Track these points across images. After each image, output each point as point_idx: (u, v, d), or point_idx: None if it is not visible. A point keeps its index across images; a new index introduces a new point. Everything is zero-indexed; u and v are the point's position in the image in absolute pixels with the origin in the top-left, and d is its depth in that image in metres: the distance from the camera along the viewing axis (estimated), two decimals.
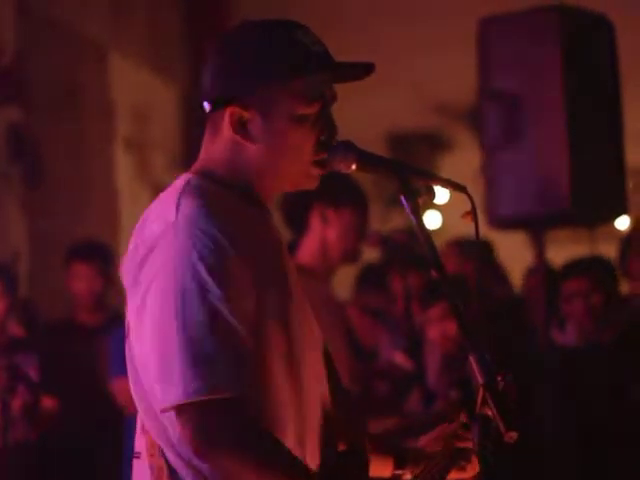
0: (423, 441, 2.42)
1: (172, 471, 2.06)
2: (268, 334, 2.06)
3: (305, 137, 2.14)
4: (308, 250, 3.89)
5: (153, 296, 2.02)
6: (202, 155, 2.21)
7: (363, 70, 2.17)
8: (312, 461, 2.15)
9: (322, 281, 3.89)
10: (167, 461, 2.06)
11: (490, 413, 1.98)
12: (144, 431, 2.12)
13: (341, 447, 2.26)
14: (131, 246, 2.13)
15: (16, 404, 4.21)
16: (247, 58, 2.12)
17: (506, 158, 4.94)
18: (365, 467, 2.24)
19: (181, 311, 1.97)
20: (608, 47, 5.07)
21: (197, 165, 2.20)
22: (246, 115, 2.13)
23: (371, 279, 6.21)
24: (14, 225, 6.86)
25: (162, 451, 2.07)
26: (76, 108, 7.54)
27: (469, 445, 2.30)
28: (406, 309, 4.60)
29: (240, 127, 2.13)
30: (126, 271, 2.12)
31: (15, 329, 4.91)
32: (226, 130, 2.15)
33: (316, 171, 2.18)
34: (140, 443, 2.13)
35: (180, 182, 2.14)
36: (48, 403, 4.72)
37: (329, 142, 2.16)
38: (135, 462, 2.15)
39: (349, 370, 3.82)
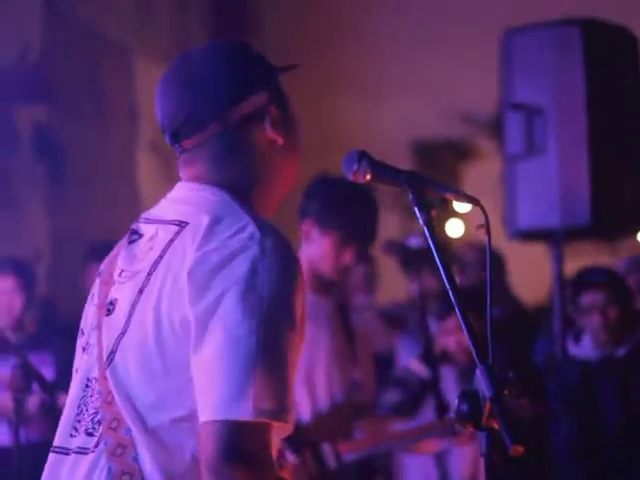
0: None
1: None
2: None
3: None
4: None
5: (233, 304, 1.98)
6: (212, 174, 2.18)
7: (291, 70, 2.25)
8: None
9: (320, 293, 3.80)
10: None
11: (496, 426, 1.98)
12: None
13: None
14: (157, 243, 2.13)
15: (33, 403, 4.22)
16: (235, 72, 2.17)
17: (527, 169, 4.93)
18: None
19: (267, 330, 1.96)
20: (631, 60, 5.07)
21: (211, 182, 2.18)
22: (273, 111, 2.17)
23: None
24: (37, 224, 6.90)
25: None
26: (101, 109, 7.58)
27: None
28: (422, 315, 4.56)
29: (274, 127, 2.17)
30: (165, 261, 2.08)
31: (29, 326, 4.94)
32: (258, 141, 2.17)
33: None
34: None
35: (219, 198, 2.12)
36: (65, 402, 4.73)
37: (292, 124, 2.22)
38: None
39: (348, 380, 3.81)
